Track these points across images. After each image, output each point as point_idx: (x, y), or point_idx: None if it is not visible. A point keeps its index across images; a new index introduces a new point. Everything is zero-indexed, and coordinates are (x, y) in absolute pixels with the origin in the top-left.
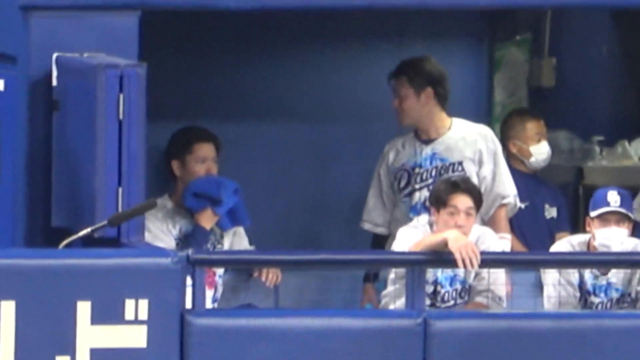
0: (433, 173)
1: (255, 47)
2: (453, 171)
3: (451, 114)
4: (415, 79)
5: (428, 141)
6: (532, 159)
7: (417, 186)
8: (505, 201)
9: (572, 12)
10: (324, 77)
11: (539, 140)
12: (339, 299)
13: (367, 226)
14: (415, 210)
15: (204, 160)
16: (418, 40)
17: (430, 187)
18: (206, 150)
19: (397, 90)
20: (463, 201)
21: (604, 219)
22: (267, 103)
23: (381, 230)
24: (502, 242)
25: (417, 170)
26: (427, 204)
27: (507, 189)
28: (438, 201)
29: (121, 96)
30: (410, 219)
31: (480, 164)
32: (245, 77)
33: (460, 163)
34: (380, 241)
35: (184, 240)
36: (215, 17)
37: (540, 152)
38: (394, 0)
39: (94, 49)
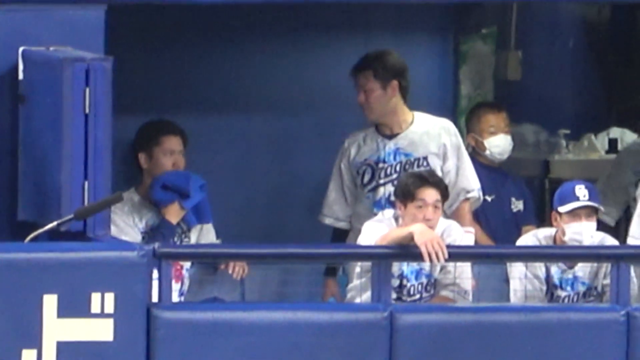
0: (397, 168)
1: (219, 40)
2: (418, 166)
3: (417, 107)
4: (381, 73)
5: (391, 136)
6: (487, 152)
7: (381, 181)
8: (469, 195)
9: (538, 5)
10: (287, 69)
11: (494, 133)
12: (300, 291)
13: (327, 220)
14: (380, 206)
15: (171, 153)
16: (384, 33)
17: (395, 183)
18: (174, 143)
19: (362, 84)
20: (431, 194)
21: (574, 213)
22: (230, 95)
23: (342, 224)
24: (466, 235)
25: (380, 165)
26: (393, 198)
27: (471, 182)
28: (405, 195)
29: (87, 90)
30: (374, 214)
31: (444, 158)
32: (208, 70)
33: (425, 158)
34: (341, 235)
35: (150, 234)
36: (179, 10)
37: (494, 145)
38: None
39: (60, 42)
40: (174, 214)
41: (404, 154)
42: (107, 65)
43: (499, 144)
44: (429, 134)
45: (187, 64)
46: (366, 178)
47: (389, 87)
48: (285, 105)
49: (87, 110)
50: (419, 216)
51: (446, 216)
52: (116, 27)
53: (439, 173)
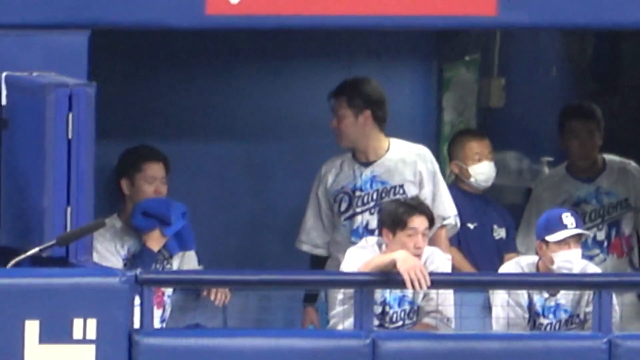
0: (374, 196)
1: (199, 66)
2: (394, 194)
3: (400, 133)
4: (355, 101)
5: (367, 163)
6: (472, 179)
7: (358, 209)
8: (445, 222)
9: (522, 33)
10: (267, 96)
11: (479, 160)
12: (279, 318)
13: (305, 247)
14: (357, 234)
15: (153, 180)
16: (368, 60)
17: (372, 211)
18: (155, 170)
19: (336, 110)
20: (422, 222)
21: (562, 241)
22: (208, 121)
23: (320, 251)
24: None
25: (357, 193)
26: (376, 226)
27: (447, 209)
28: (396, 223)
29: (70, 115)
30: (352, 242)
31: (420, 185)
32: (188, 96)
33: (402, 186)
34: (319, 262)
35: (131, 261)
36: (160, 37)
37: (479, 172)
38: (343, 20)
39: (43, 67)
40: (154, 241)
41: (381, 182)
42: (90, 91)
43: (483, 171)
44: (405, 162)
45: (166, 90)
46: (343, 206)
47: (361, 116)
48: (264, 132)
49: (70, 136)
50: (410, 244)
51: None
52: (97, 53)
53: None
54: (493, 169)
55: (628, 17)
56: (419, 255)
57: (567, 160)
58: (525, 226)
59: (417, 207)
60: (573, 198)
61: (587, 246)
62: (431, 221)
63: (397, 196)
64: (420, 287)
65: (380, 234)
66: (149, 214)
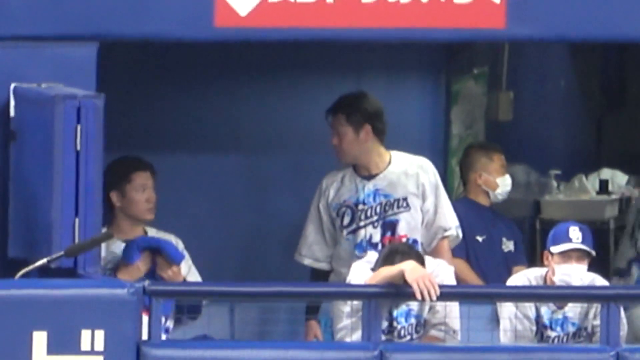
0: (378, 210)
1: (198, 78)
2: (398, 207)
3: (408, 146)
4: (353, 117)
5: (369, 177)
6: (498, 191)
7: (361, 223)
8: (447, 233)
9: (530, 46)
10: (272, 109)
11: (504, 173)
12: (281, 330)
13: (307, 261)
14: (361, 248)
15: (143, 189)
16: (376, 73)
17: (375, 225)
18: (144, 178)
19: (335, 127)
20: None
21: (565, 254)
22: (207, 134)
23: (322, 265)
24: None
25: (360, 207)
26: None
27: (449, 220)
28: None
29: (79, 127)
30: (357, 256)
31: (423, 197)
32: (186, 109)
33: (405, 199)
34: (320, 276)
35: (110, 271)
36: (157, 49)
37: (505, 183)
38: (351, 33)
39: (51, 79)
40: (127, 274)
41: (384, 195)
42: (98, 103)
43: (508, 183)
44: (407, 174)
45: (169, 103)
46: (346, 220)
47: (362, 131)
48: (267, 145)
49: (78, 148)
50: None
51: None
52: (103, 65)
53: (419, 213)
54: (510, 182)
55: (637, 31)
56: None
57: None
58: None
59: (397, 251)
60: None
61: None
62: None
63: (401, 209)
64: (430, 297)
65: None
66: (147, 249)
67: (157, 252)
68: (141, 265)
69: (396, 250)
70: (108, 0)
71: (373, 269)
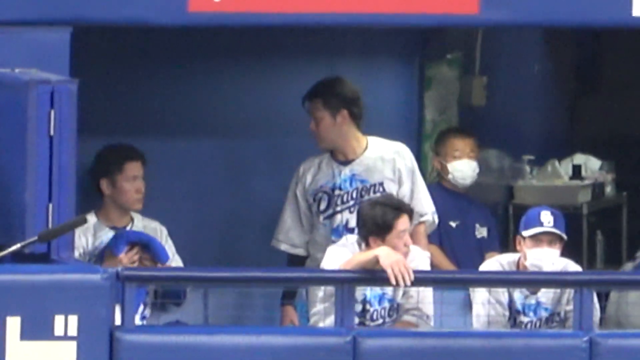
0: (354, 195)
1: (176, 64)
2: (374, 192)
3: (382, 131)
4: (331, 101)
5: (346, 162)
6: (450, 176)
7: (338, 208)
8: (423, 218)
9: (504, 31)
10: (248, 94)
11: (458, 158)
12: (257, 315)
13: (283, 246)
14: (337, 233)
15: (134, 179)
16: (349, 58)
17: (352, 209)
18: (136, 168)
19: (312, 113)
20: (406, 221)
21: (536, 239)
22: (185, 118)
23: (299, 251)
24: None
25: (337, 192)
26: (363, 235)
27: (425, 206)
28: (383, 229)
29: (52, 112)
30: (332, 241)
31: (399, 182)
32: (165, 93)
33: (381, 184)
34: (297, 262)
35: (99, 258)
36: (136, 34)
37: (457, 169)
38: (325, 18)
39: (25, 64)
40: (111, 265)
41: (360, 180)
42: (72, 88)
43: (461, 169)
44: (384, 159)
45: (145, 87)
46: (322, 205)
47: (339, 116)
48: (244, 130)
49: (52, 133)
50: (400, 245)
51: None
52: (75, 50)
53: None
54: (473, 168)
55: (610, 16)
56: (407, 253)
57: None
58: None
59: (400, 207)
60: None
61: None
62: (411, 216)
63: (377, 194)
64: (405, 282)
65: (366, 243)
66: (135, 243)
67: (146, 248)
68: (124, 259)
69: (392, 207)
70: None
71: (369, 231)
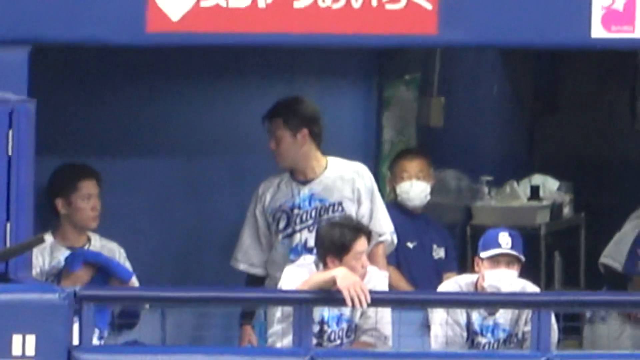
0: (313, 214)
1: (136, 83)
2: (333, 211)
3: (340, 151)
4: (291, 120)
5: (305, 182)
6: (399, 198)
7: (297, 227)
8: (382, 239)
9: (462, 51)
10: (207, 113)
11: (406, 179)
12: (216, 335)
13: (242, 266)
14: (296, 252)
15: (89, 197)
16: (308, 78)
17: (311, 229)
18: (91, 187)
19: (272, 131)
20: (364, 243)
21: (494, 260)
22: (145, 137)
23: (258, 270)
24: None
25: (296, 211)
26: (321, 255)
27: (384, 226)
28: (342, 249)
29: (10, 132)
30: (291, 260)
31: (358, 202)
32: (124, 112)
33: (340, 203)
34: (255, 282)
35: (57, 277)
36: (94, 53)
37: (403, 191)
38: (284, 38)
39: None
40: (70, 282)
41: (319, 200)
42: (30, 107)
43: (407, 190)
44: (343, 179)
45: (104, 107)
46: (281, 224)
47: (299, 135)
48: (203, 149)
49: (10, 152)
50: (358, 266)
51: None
52: (35, 69)
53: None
54: (422, 189)
55: (569, 37)
56: (364, 274)
57: None
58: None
59: (358, 228)
60: None
61: None
62: (370, 238)
63: (336, 213)
64: (361, 304)
65: (324, 264)
66: (91, 264)
67: (103, 270)
68: (82, 274)
69: (350, 228)
70: (40, 4)
71: (327, 251)
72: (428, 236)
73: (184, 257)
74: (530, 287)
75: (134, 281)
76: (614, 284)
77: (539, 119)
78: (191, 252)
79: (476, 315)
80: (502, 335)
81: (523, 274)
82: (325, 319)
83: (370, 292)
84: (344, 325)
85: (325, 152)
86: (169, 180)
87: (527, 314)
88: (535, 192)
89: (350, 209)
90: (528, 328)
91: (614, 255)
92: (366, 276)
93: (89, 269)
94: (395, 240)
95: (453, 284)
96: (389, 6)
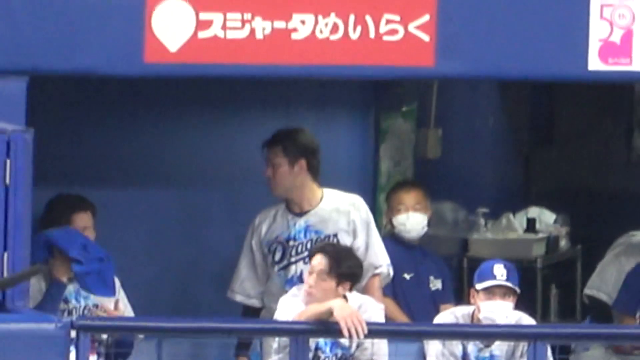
0: (308, 246)
1: (132, 113)
2: None
3: (337, 183)
4: (290, 150)
5: (301, 213)
6: (396, 230)
7: (292, 259)
8: (377, 271)
9: (459, 83)
10: (203, 144)
11: (403, 211)
12: None
13: (238, 297)
14: (292, 283)
15: (82, 230)
16: (304, 109)
17: (306, 260)
18: (85, 219)
19: (270, 159)
20: (316, 258)
21: (489, 291)
22: (141, 168)
23: (254, 302)
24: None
25: (291, 243)
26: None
27: (380, 258)
28: None
29: (8, 161)
30: (287, 292)
31: (354, 234)
32: (122, 142)
33: (335, 235)
34: (251, 313)
35: (43, 297)
36: (92, 84)
37: (400, 222)
38: (281, 70)
39: None
40: (60, 269)
41: (315, 231)
42: (28, 137)
43: (404, 222)
44: (339, 211)
45: (98, 137)
46: (277, 256)
47: (297, 165)
48: (199, 180)
49: (7, 182)
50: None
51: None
52: (30, 99)
53: None
54: (417, 221)
55: (566, 70)
56: (310, 294)
57: None
58: None
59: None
60: None
61: None
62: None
63: None
64: (357, 335)
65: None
66: (52, 246)
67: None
68: (57, 262)
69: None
70: (38, 34)
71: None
72: (425, 268)
73: (180, 288)
74: (526, 319)
75: (121, 307)
76: (599, 315)
77: (535, 150)
78: (187, 283)
79: (472, 347)
80: None
81: (519, 306)
82: (319, 344)
83: (367, 323)
84: (338, 351)
85: (322, 184)
86: (165, 211)
87: (522, 346)
88: (531, 224)
89: (346, 241)
90: None
91: (597, 286)
92: (355, 305)
93: (60, 256)
94: (392, 273)
95: (449, 315)
96: (386, 38)
